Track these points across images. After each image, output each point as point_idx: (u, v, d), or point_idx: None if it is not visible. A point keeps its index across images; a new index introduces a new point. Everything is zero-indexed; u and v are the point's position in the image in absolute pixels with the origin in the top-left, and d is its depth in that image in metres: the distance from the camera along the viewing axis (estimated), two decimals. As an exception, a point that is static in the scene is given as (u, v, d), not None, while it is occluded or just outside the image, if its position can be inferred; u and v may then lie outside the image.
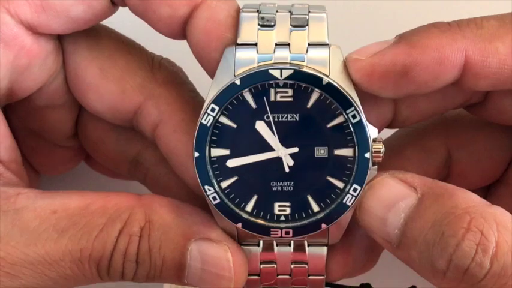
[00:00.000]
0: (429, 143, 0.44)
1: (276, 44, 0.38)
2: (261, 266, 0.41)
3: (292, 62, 0.37)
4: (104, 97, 0.42)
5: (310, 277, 0.41)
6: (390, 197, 0.38)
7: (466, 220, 0.35)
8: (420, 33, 0.37)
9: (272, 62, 0.37)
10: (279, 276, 0.41)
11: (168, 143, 0.42)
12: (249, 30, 0.38)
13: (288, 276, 0.41)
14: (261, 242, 0.40)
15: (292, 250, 0.40)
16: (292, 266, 0.41)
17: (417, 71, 0.36)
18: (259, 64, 0.37)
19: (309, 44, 0.38)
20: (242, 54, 0.38)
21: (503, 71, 0.37)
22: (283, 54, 0.37)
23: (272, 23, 0.38)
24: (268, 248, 0.40)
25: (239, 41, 0.38)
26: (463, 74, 0.37)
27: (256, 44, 0.38)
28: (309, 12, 0.38)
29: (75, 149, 0.48)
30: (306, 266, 0.41)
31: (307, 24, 0.38)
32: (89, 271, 0.37)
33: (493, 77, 0.37)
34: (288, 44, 0.38)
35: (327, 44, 0.38)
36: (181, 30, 0.39)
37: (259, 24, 0.38)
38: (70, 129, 0.46)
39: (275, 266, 0.41)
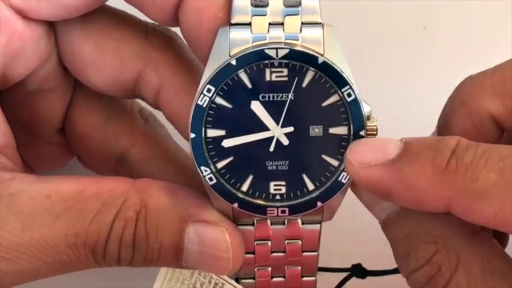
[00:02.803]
0: None
1: (270, 24, 0.37)
2: (256, 243, 0.41)
3: (286, 41, 0.37)
4: (103, 71, 0.42)
5: (304, 253, 0.41)
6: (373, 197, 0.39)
7: (431, 251, 0.36)
8: (413, 165, 0.35)
9: (267, 41, 0.37)
10: (273, 254, 0.41)
11: (171, 106, 0.42)
12: (242, 10, 0.37)
13: (282, 254, 0.41)
14: (256, 221, 0.40)
15: (286, 227, 0.40)
16: (286, 242, 0.41)
17: (397, 200, 0.36)
18: (254, 44, 0.37)
19: (302, 23, 0.37)
20: (236, 34, 0.37)
21: (489, 225, 0.35)
22: (277, 34, 0.37)
23: (265, 3, 0.37)
24: (263, 226, 0.40)
25: (233, 21, 0.37)
26: (449, 212, 0.36)
27: (250, 24, 0.37)
28: None
29: (63, 146, 0.47)
30: (299, 242, 0.41)
31: (300, 4, 0.37)
32: (85, 256, 0.37)
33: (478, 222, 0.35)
34: (282, 24, 0.37)
35: (320, 23, 0.37)
36: (174, 15, 0.39)
37: (252, 5, 0.37)
38: (59, 120, 0.45)
39: (269, 243, 0.41)
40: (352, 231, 0.51)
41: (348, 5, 0.53)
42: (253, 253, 0.41)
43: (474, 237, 0.37)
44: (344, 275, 0.45)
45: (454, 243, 0.36)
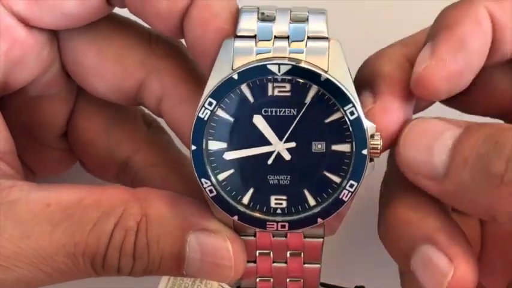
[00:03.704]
0: None
1: (275, 37, 0.37)
2: (257, 254, 0.40)
3: (290, 56, 0.37)
4: (105, 78, 0.42)
5: (306, 265, 0.41)
6: (435, 129, 0.37)
7: None
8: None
9: (271, 55, 0.37)
10: (275, 264, 0.41)
11: (173, 115, 0.42)
12: (248, 22, 0.37)
13: (283, 264, 0.41)
14: (257, 232, 0.40)
15: (287, 238, 0.40)
16: (288, 254, 0.40)
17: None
18: (258, 57, 0.37)
19: (308, 38, 0.37)
20: (241, 46, 0.37)
21: None
22: (282, 46, 0.37)
23: (272, 18, 0.37)
24: (264, 236, 0.40)
25: (238, 33, 0.37)
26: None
27: (255, 37, 0.37)
28: (309, 11, 0.37)
29: (65, 152, 0.47)
30: (301, 255, 0.40)
31: (307, 19, 0.37)
32: (84, 266, 0.37)
33: None
34: (287, 37, 0.37)
35: (327, 38, 0.37)
36: (179, 26, 0.39)
37: (258, 18, 0.37)
38: (61, 125, 0.45)
39: (271, 254, 0.41)
40: (356, 252, 0.51)
41: (348, 5, 0.52)
42: (254, 262, 0.41)
43: None
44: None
45: None
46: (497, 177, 0.34)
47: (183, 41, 0.40)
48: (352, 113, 0.37)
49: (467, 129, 0.36)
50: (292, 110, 0.37)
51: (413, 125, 0.38)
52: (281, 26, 0.37)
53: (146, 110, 0.47)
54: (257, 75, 0.37)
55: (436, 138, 0.37)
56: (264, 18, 0.37)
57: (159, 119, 0.46)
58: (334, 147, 0.38)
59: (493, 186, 0.34)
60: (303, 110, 0.37)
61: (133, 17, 0.41)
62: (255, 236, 0.40)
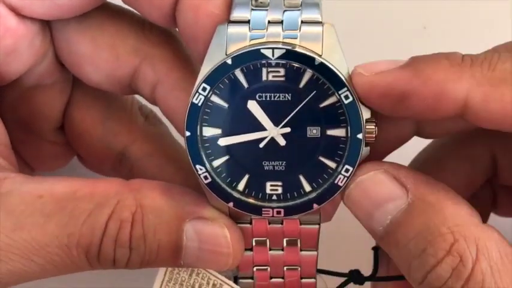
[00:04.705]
0: (473, 152, 0.43)
1: (269, 22, 0.37)
2: (254, 241, 0.40)
3: (284, 41, 0.37)
4: (99, 66, 0.42)
5: (303, 252, 0.41)
6: (379, 195, 0.37)
7: (449, 241, 0.35)
8: (428, 62, 0.35)
9: (264, 40, 0.37)
10: (272, 252, 0.41)
11: (167, 102, 0.42)
12: (241, 8, 0.37)
13: (280, 252, 0.41)
14: (253, 219, 0.40)
15: (284, 225, 0.40)
16: (285, 241, 0.40)
17: (414, 100, 0.35)
18: (251, 42, 0.37)
19: (302, 22, 0.37)
20: (234, 31, 0.37)
21: (505, 118, 0.35)
22: (275, 31, 0.37)
23: (265, 4, 0.37)
24: (260, 223, 0.40)
25: (231, 19, 0.37)
26: (463, 111, 0.35)
27: (248, 22, 0.37)
28: None
29: (63, 145, 0.47)
30: (298, 242, 0.41)
31: (301, 6, 0.37)
32: (77, 257, 0.36)
33: (494, 121, 0.35)
34: (281, 22, 0.37)
35: (321, 22, 0.37)
36: (172, 14, 0.39)
37: (252, 5, 0.37)
38: (58, 117, 0.45)
39: (267, 241, 0.41)
40: (351, 236, 0.51)
41: (348, 5, 0.52)
42: (251, 250, 0.41)
43: (483, 226, 0.36)
44: (341, 280, 0.45)
45: (469, 232, 0.35)
46: (415, 281, 0.36)
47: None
48: (346, 97, 0.37)
49: (409, 209, 0.36)
50: (286, 94, 0.37)
51: (361, 184, 0.38)
52: (275, 12, 0.37)
53: (143, 102, 0.47)
54: (251, 59, 0.37)
55: (377, 207, 0.37)
56: (258, 4, 0.37)
57: (157, 111, 0.46)
58: (329, 132, 0.38)
59: (411, 281, 0.37)
60: (298, 94, 0.37)
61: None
62: (251, 223, 0.40)
